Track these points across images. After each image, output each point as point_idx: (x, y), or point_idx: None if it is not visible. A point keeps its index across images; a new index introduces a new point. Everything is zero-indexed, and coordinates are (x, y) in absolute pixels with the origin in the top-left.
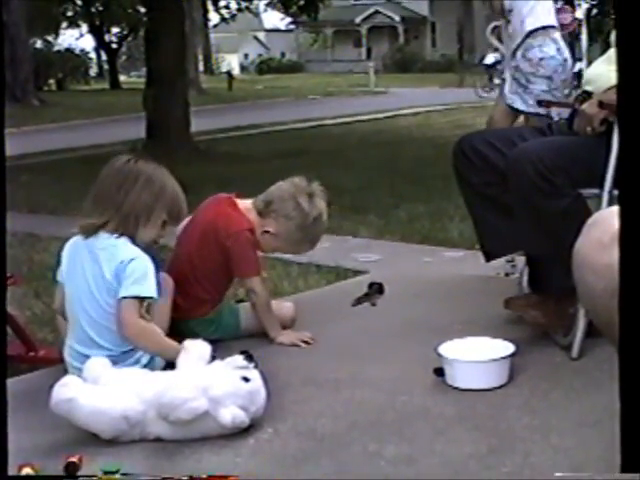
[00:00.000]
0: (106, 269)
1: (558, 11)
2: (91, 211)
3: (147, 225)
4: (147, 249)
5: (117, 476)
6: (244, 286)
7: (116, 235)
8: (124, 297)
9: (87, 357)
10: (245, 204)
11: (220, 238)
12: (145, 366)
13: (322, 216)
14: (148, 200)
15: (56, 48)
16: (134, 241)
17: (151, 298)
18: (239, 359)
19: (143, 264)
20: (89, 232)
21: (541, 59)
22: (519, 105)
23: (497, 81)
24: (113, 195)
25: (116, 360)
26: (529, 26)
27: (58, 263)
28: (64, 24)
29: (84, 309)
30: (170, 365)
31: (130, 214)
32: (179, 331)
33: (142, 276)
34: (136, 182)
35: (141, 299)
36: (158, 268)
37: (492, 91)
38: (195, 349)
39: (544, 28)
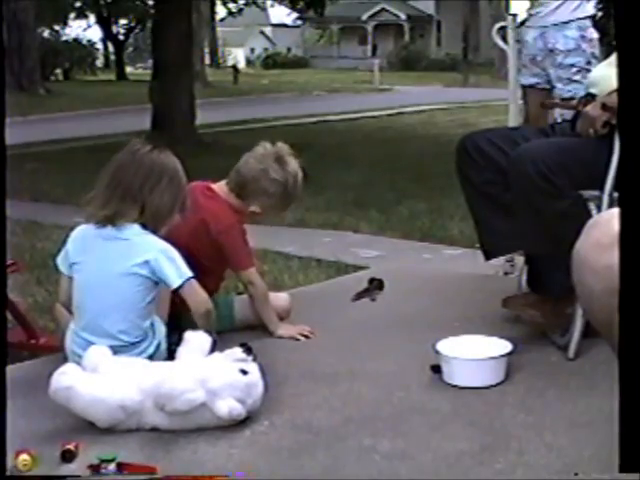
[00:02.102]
0: (135, 258)
1: None
2: (106, 200)
3: (170, 218)
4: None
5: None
6: (241, 279)
7: (138, 226)
8: (183, 283)
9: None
10: (222, 188)
11: (212, 234)
12: (150, 356)
13: (298, 174)
14: (170, 200)
15: (64, 38)
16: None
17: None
18: (238, 351)
19: (174, 250)
20: (105, 222)
21: (596, 38)
22: (582, 92)
23: (530, 79)
24: (136, 189)
25: (123, 350)
26: (579, 11)
27: (59, 252)
28: (72, 14)
29: (98, 298)
30: (171, 356)
31: (156, 212)
32: (177, 324)
33: (180, 260)
34: (160, 180)
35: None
36: None
37: None
38: (195, 340)
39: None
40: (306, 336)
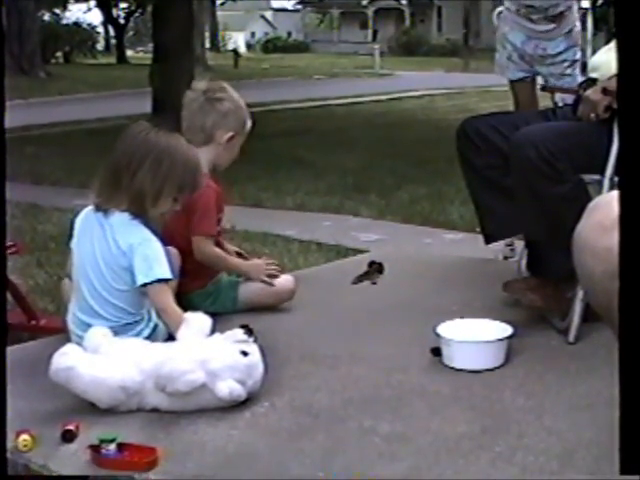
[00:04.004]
0: (113, 245)
1: None
2: (99, 186)
3: (156, 205)
4: (148, 224)
5: None
6: (196, 252)
7: (128, 215)
8: (149, 283)
9: (89, 326)
10: None
11: (189, 209)
12: (147, 338)
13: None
14: (155, 182)
15: (64, 22)
16: (145, 219)
17: (169, 280)
18: (239, 333)
19: (155, 247)
20: (100, 209)
21: (581, 26)
22: (574, 83)
23: (517, 73)
24: (122, 174)
25: (118, 331)
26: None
27: (71, 232)
28: None
29: (89, 280)
30: (171, 337)
31: (137, 196)
32: (180, 306)
33: (157, 259)
34: (144, 161)
35: (165, 281)
36: (164, 242)
37: None
38: (196, 322)
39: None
40: (275, 275)
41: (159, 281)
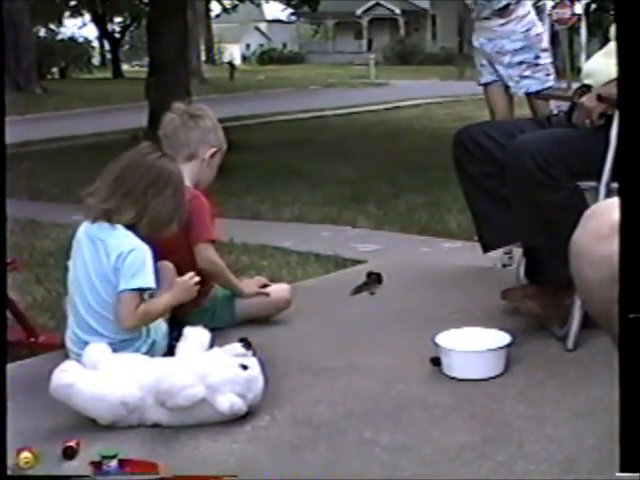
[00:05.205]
0: (105, 260)
1: (557, 6)
2: (108, 195)
3: (164, 230)
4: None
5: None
6: (200, 257)
7: (122, 227)
8: (124, 290)
9: (87, 343)
10: None
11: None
12: (144, 354)
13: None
14: (172, 209)
15: (59, 37)
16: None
17: (149, 289)
18: (237, 347)
19: (142, 255)
20: (97, 217)
21: (542, 32)
22: (536, 87)
23: (488, 76)
24: (139, 192)
25: (115, 348)
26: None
27: (69, 249)
28: (67, 13)
29: (84, 296)
30: (170, 352)
31: (152, 219)
32: (176, 320)
33: (140, 267)
34: (166, 187)
35: (141, 291)
36: (156, 256)
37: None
38: (195, 336)
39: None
40: (266, 284)
41: (135, 291)
